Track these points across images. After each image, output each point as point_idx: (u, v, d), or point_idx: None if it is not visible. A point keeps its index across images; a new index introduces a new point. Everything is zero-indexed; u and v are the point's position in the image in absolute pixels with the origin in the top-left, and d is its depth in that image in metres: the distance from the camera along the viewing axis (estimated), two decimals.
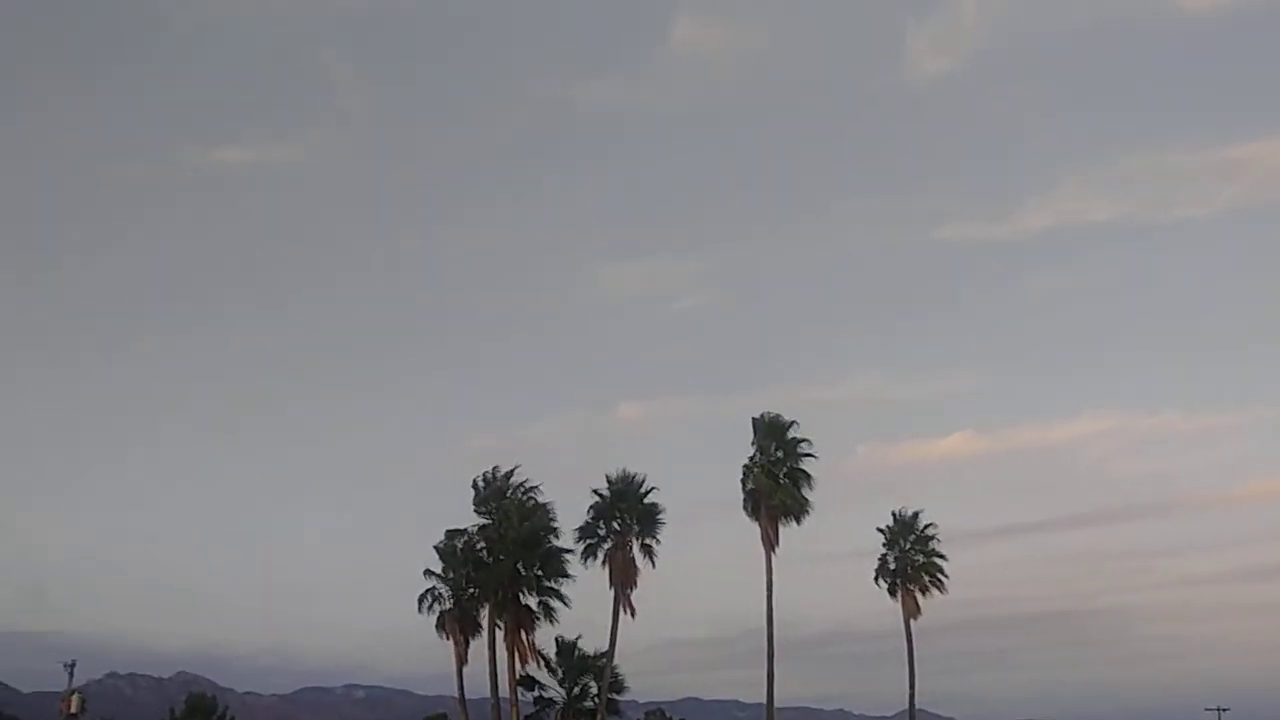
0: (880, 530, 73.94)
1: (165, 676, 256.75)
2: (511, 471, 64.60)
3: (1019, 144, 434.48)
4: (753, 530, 65.73)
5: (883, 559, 73.26)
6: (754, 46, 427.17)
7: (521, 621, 61.20)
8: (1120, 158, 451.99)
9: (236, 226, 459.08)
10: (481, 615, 62.04)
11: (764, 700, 65.65)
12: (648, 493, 65.06)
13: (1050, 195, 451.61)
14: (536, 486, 64.49)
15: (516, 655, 61.43)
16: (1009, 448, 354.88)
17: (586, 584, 63.71)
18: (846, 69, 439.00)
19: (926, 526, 73.49)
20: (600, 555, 63.83)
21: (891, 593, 72.63)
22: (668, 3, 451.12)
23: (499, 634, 61.43)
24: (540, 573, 62.30)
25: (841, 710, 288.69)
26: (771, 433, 67.02)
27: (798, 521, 65.83)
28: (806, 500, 65.96)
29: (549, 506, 63.90)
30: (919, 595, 71.99)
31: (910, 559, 72.64)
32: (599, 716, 63.91)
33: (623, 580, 63.20)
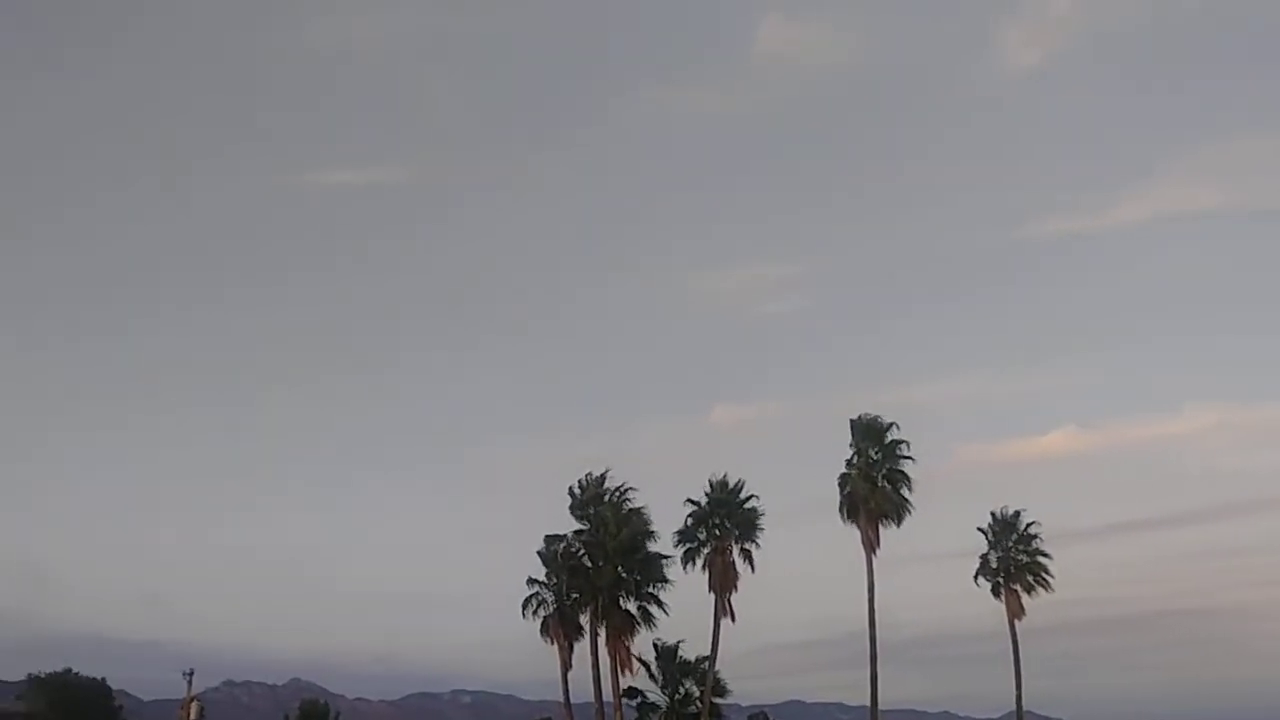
0: (981, 530, 73.04)
1: (279, 684, 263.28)
2: (605, 476, 65.30)
3: (1113, 134, 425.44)
4: (852, 533, 65.57)
5: (985, 559, 72.35)
6: (840, 48, 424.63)
7: (622, 627, 61.79)
8: (1219, 145, 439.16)
9: (352, 252, 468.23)
10: (583, 620, 62.73)
11: (868, 703, 65.34)
12: (747, 498, 65.26)
13: (1148, 185, 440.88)
14: (632, 491, 65.17)
15: (618, 660, 62.03)
16: (1113, 444, 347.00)
17: (684, 588, 64.14)
18: (934, 66, 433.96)
19: (1029, 525, 72.42)
20: (700, 560, 64.15)
21: (995, 593, 71.67)
22: (753, 9, 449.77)
23: (601, 639, 62.12)
24: (640, 578, 62.85)
25: (947, 712, 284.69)
26: (869, 435, 66.73)
27: (897, 523, 65.45)
28: (906, 501, 65.57)
29: (645, 512, 64.46)
30: (1023, 595, 70.92)
31: (1013, 559, 71.62)
32: None
33: (723, 585, 63.41)
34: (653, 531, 64.10)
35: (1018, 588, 70.86)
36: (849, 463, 66.60)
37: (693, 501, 65.18)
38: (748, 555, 64.40)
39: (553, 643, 62.44)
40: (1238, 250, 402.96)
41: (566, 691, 63.29)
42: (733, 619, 63.80)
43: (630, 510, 64.20)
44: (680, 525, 64.83)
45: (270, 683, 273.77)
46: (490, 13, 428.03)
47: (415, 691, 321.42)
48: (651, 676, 65.42)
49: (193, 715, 69.57)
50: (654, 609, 62.82)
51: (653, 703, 65.70)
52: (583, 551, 63.79)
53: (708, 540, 64.47)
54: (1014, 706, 72.25)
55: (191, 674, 70.89)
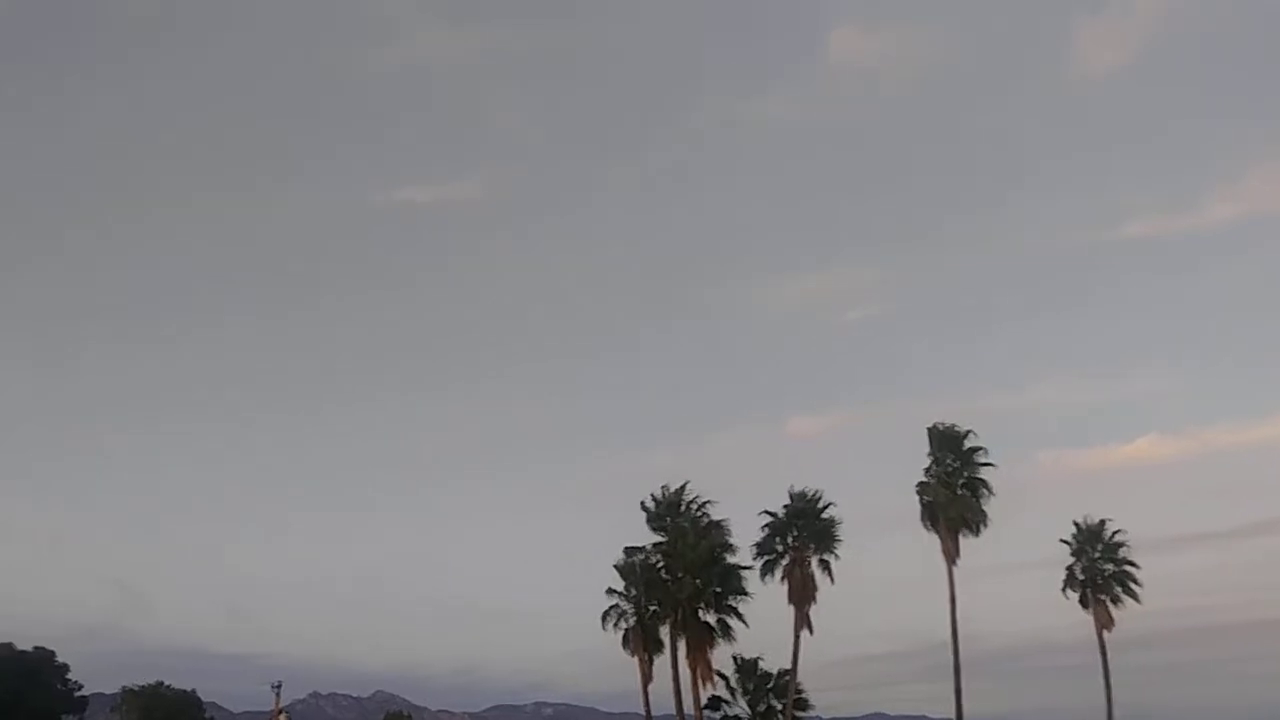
0: (1065, 541, 71.66)
1: (364, 695, 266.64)
2: (683, 488, 65.41)
3: (1199, 134, 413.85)
4: (932, 543, 64.87)
5: (1070, 569, 71.05)
6: (914, 54, 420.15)
7: (702, 639, 61.74)
8: None
9: (427, 264, 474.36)
10: (663, 632, 62.79)
11: (952, 715, 64.50)
12: (825, 508, 64.93)
13: (1237, 185, 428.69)
14: (709, 503, 65.21)
15: (698, 673, 61.97)
16: (1201, 450, 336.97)
17: (763, 601, 63.94)
18: (1012, 69, 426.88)
19: (1115, 534, 70.96)
20: (778, 572, 63.93)
21: (1082, 604, 70.34)
22: (826, 17, 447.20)
23: (681, 651, 62.11)
24: (719, 590, 62.77)
25: None
26: (947, 443, 66.04)
27: (977, 532, 64.67)
28: (985, 511, 64.72)
29: (724, 524, 64.43)
30: (1111, 606, 69.55)
31: (1099, 569, 70.23)
32: None
33: (801, 596, 63.13)
34: (731, 544, 64.12)
35: (1105, 599, 69.48)
36: (927, 471, 65.96)
37: (770, 513, 65.06)
38: (826, 566, 64.09)
39: (633, 655, 62.62)
40: None
41: (647, 704, 63.41)
42: (811, 631, 63.53)
43: (709, 522, 64.23)
44: (757, 537, 64.74)
45: (355, 694, 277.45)
46: (558, 29, 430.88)
47: (497, 703, 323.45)
48: (731, 689, 65.29)
49: None
50: (733, 621, 62.72)
51: (734, 715, 65.51)
52: (661, 564, 63.90)
53: (786, 552, 64.26)
54: None
55: (279, 686, 72.23)
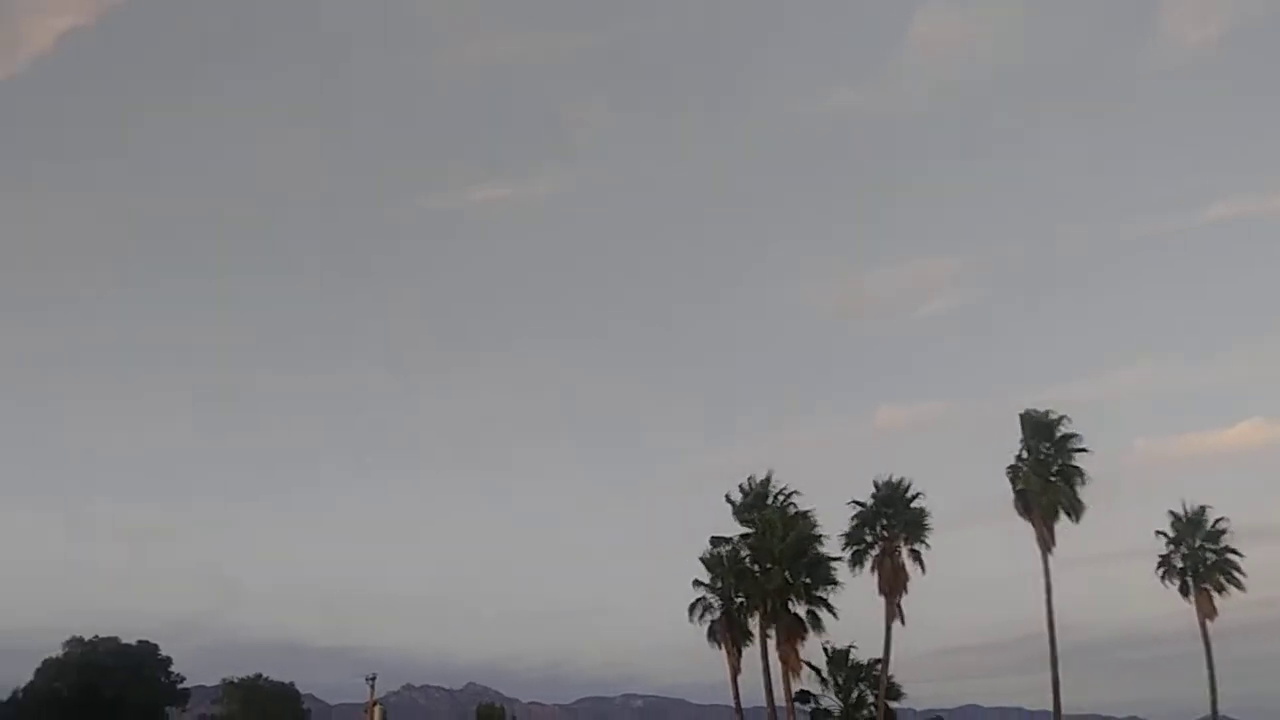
0: (1162, 533, 69.80)
1: (456, 688, 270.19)
2: (769, 479, 65.05)
3: None
4: (1026, 532, 63.66)
5: (1168, 558, 69.22)
6: (996, 38, 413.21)
7: (792, 630, 61.33)
8: None
9: (493, 262, 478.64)
10: (751, 624, 62.52)
11: (1048, 707, 63.35)
12: (914, 498, 64.14)
13: None
14: (796, 494, 64.75)
15: (788, 664, 61.59)
16: None
17: (853, 591, 63.33)
18: (1095, 53, 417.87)
19: (1217, 522, 68.93)
20: (868, 563, 63.27)
21: (1183, 593, 68.50)
22: (906, 2, 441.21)
23: (770, 643, 61.79)
24: (808, 581, 62.30)
25: (1134, 717, 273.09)
26: (1040, 430, 64.70)
27: (1073, 520, 63.24)
28: (1080, 498, 63.28)
29: (811, 514, 63.94)
30: (1214, 595, 67.63)
31: (1200, 557, 68.29)
32: None
33: (892, 587, 62.39)
34: (819, 534, 63.55)
35: (1208, 588, 67.60)
36: (1020, 459, 64.68)
37: (858, 503, 64.39)
38: (917, 556, 63.24)
39: (721, 647, 62.44)
40: None
41: (737, 696, 63.13)
42: (903, 622, 62.75)
43: (796, 513, 63.78)
44: (846, 528, 64.12)
45: (448, 687, 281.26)
46: (628, 24, 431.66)
47: (587, 695, 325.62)
48: (822, 681, 64.83)
49: (377, 718, 71.77)
50: (823, 612, 62.17)
51: (825, 708, 65.01)
52: (749, 555, 63.60)
53: (875, 542, 63.57)
54: (1208, 711, 68.89)
55: (374, 679, 73.21)
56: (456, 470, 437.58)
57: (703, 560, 64.28)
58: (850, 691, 64.90)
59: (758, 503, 64.39)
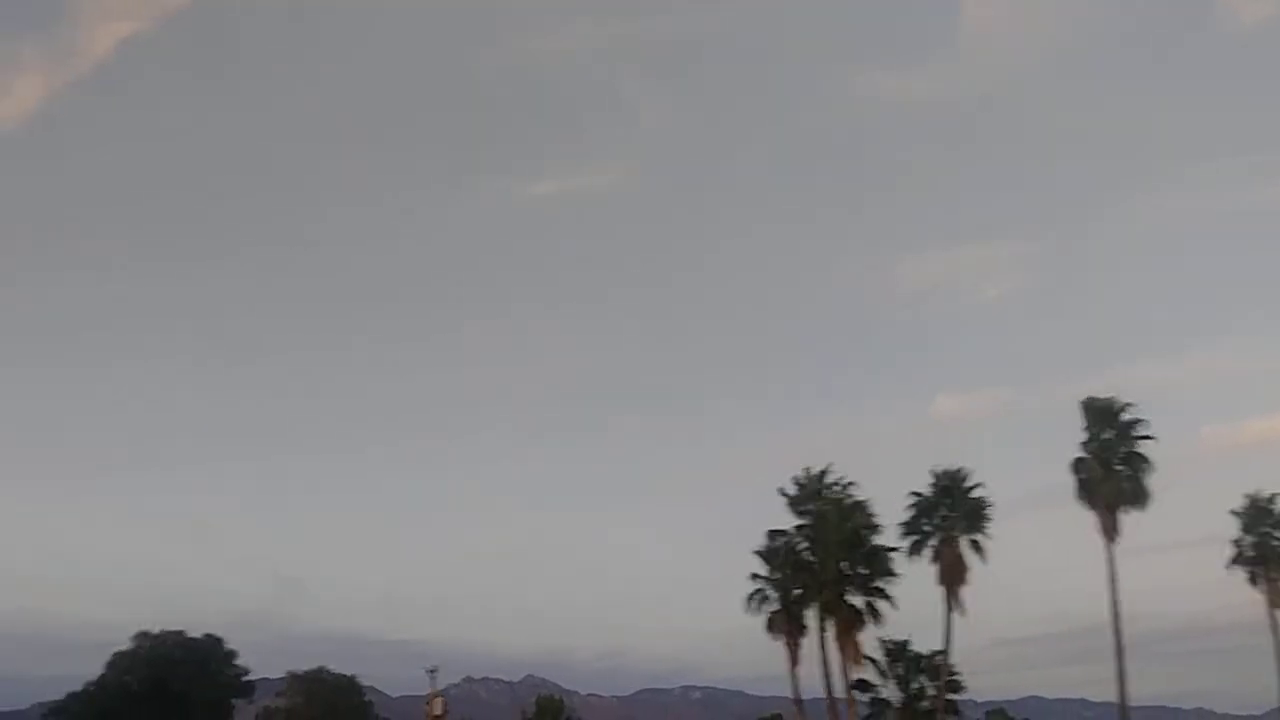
0: (1231, 520, 68.33)
1: (515, 680, 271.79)
2: (825, 470, 64.72)
3: None
4: (1089, 521, 62.68)
5: (1238, 546, 67.85)
6: (1053, 20, 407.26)
7: (850, 622, 60.99)
8: None
9: (551, 251, 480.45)
10: (809, 616, 62.28)
11: (1113, 698, 62.42)
12: (973, 487, 63.41)
13: None
14: (852, 484, 64.36)
15: (847, 655, 61.27)
16: None
17: (911, 582, 62.81)
18: (1154, 32, 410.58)
19: None
20: (926, 553, 62.67)
21: (1252, 582, 67.16)
22: None
23: (828, 634, 61.50)
24: (865, 572, 61.91)
25: (1202, 709, 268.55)
26: (1103, 417, 63.64)
27: (1138, 509, 62.13)
28: (1145, 486, 62.17)
29: (867, 505, 63.49)
30: None
31: (1270, 546, 66.88)
32: (938, 717, 62.72)
33: (952, 577, 61.75)
34: (877, 525, 63.10)
35: (1278, 576, 66.21)
36: (1083, 446, 63.67)
37: (917, 493, 63.76)
38: (977, 546, 62.48)
39: (780, 639, 62.27)
40: None
41: (796, 688, 62.98)
42: (963, 612, 62.14)
43: (852, 504, 63.39)
44: (904, 518, 63.52)
45: (507, 679, 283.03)
46: (685, 15, 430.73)
47: (645, 687, 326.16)
48: (881, 673, 64.40)
49: (438, 710, 72.36)
50: (881, 603, 61.75)
51: (884, 699, 64.57)
52: (805, 546, 63.35)
53: (934, 532, 62.92)
54: (1276, 703, 67.47)
55: (435, 670, 73.83)
56: (512, 460, 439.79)
57: (759, 553, 64.19)
58: (910, 683, 64.42)
59: (813, 494, 64.12)
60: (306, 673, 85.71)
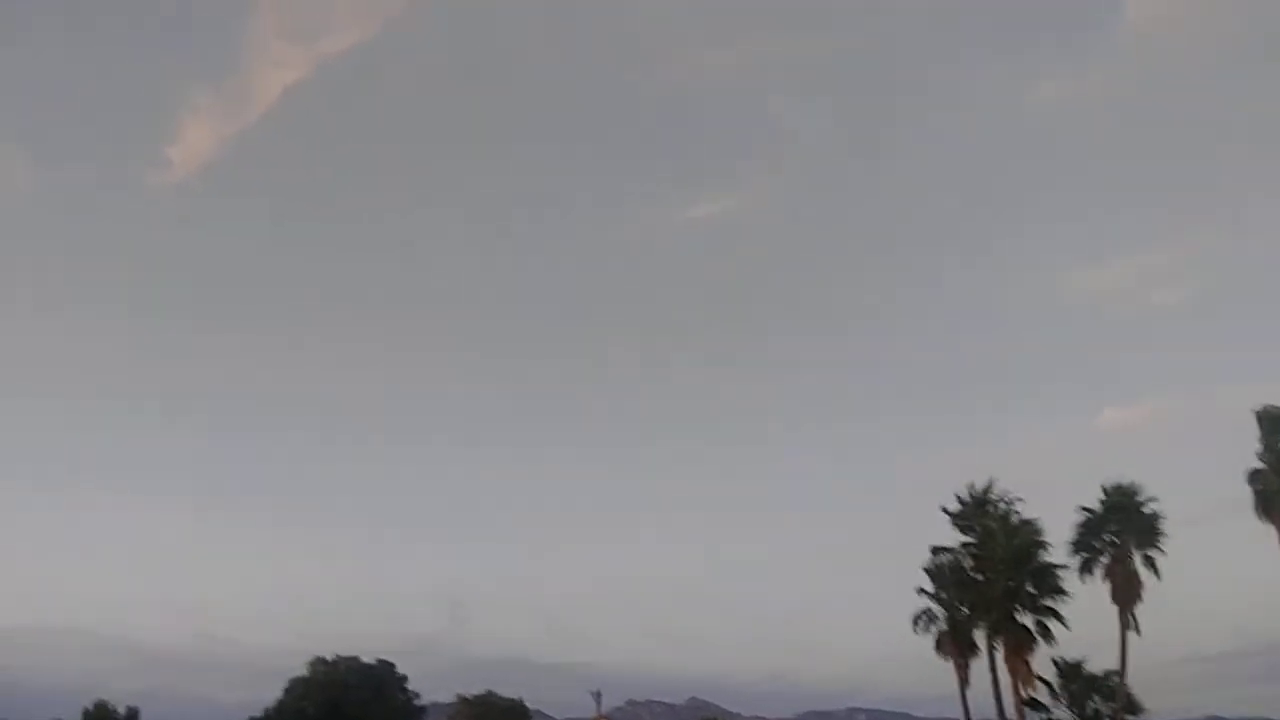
0: None
1: (678, 703, 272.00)
2: (989, 486, 63.61)
3: None
4: (1268, 534, 59.95)
5: None
6: (1213, 13, 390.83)
7: (1020, 641, 59.61)
8: None
9: (702, 278, 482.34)
10: (977, 635, 61.18)
11: None
12: (1145, 501, 61.35)
13: None
14: (1017, 500, 63.06)
15: (1018, 676, 59.88)
16: None
17: (1082, 600, 61.02)
18: None
19: None
20: (1098, 570, 60.85)
21: None
22: None
23: (998, 654, 60.25)
24: (1035, 591, 60.45)
25: None
26: (1278, 427, 60.90)
27: None
28: None
29: (1034, 521, 62.07)
30: None
31: None
32: None
33: (1126, 596, 59.79)
34: (1045, 542, 61.60)
35: None
36: (1259, 457, 61.00)
37: (1086, 509, 61.99)
38: (1151, 563, 60.36)
39: (946, 659, 61.33)
40: None
41: (966, 709, 61.76)
42: (1138, 631, 60.07)
43: (1019, 520, 62.11)
44: (1072, 534, 61.83)
45: (670, 701, 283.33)
46: (829, 31, 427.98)
47: (810, 709, 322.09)
48: (1053, 693, 62.70)
49: None
50: (1051, 622, 60.14)
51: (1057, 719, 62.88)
52: (971, 564, 62.29)
53: (1105, 549, 61.05)
54: None
55: (599, 694, 74.77)
56: (673, 481, 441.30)
57: (925, 570, 63.45)
58: (1084, 704, 62.56)
59: (977, 511, 63.06)
60: (476, 697, 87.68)
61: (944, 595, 62.18)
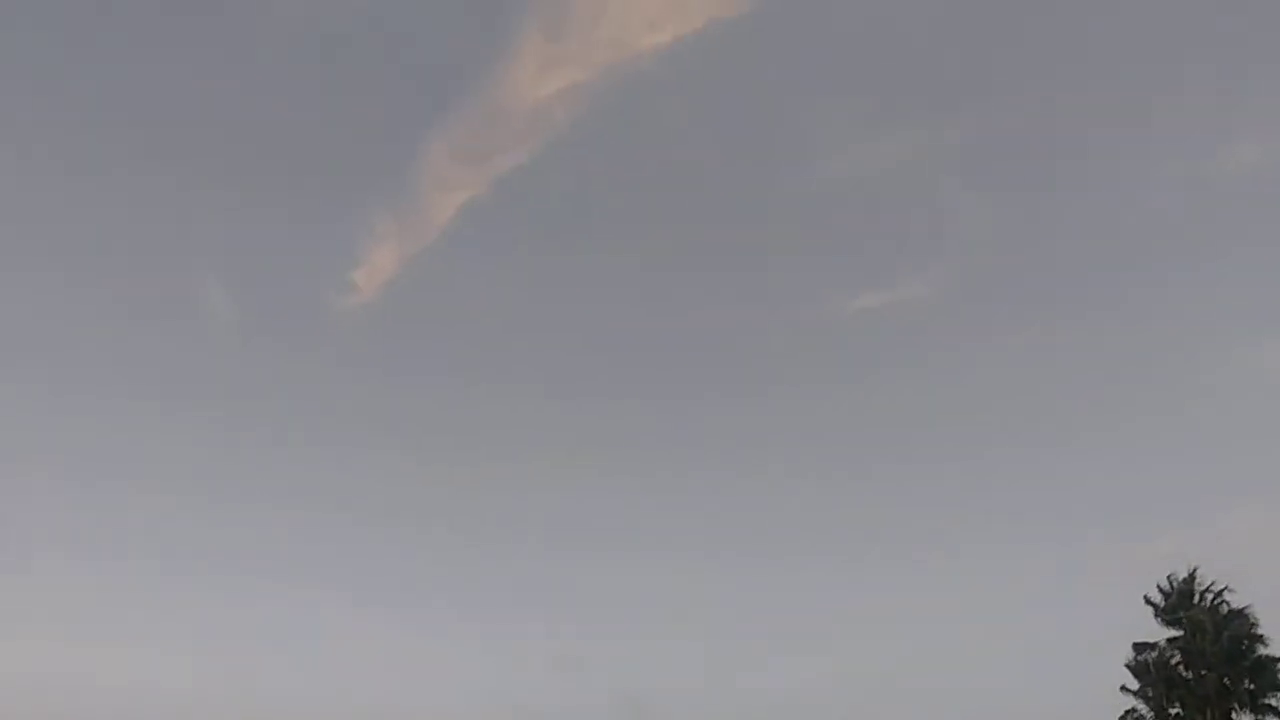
0: None
1: None
2: (1193, 574, 60.01)
3: None
4: None
5: None
6: None
7: None
8: None
9: (873, 365, 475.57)
10: None
11: None
12: None
13: None
14: (1227, 589, 59.27)
15: None
16: None
17: None
18: None
19: None
20: None
21: None
22: None
23: None
24: (1252, 687, 56.43)
25: None
26: None
27: None
28: None
29: (1247, 611, 58.10)
30: None
31: None
32: None
33: None
34: (1260, 634, 57.53)
35: None
36: None
37: None
38: None
39: None
40: None
41: None
42: None
43: (1229, 611, 58.31)
44: None
45: None
46: (999, 112, 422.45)
47: None
48: None
49: None
50: None
51: None
52: (1178, 660, 58.62)
53: None
54: None
55: None
56: (860, 573, 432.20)
57: (1128, 666, 60.00)
58: None
59: (1182, 602, 59.46)
60: None
61: (1149, 694, 58.60)
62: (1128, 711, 59.06)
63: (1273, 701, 56.25)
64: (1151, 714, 58.43)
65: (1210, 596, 59.11)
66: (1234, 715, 56.19)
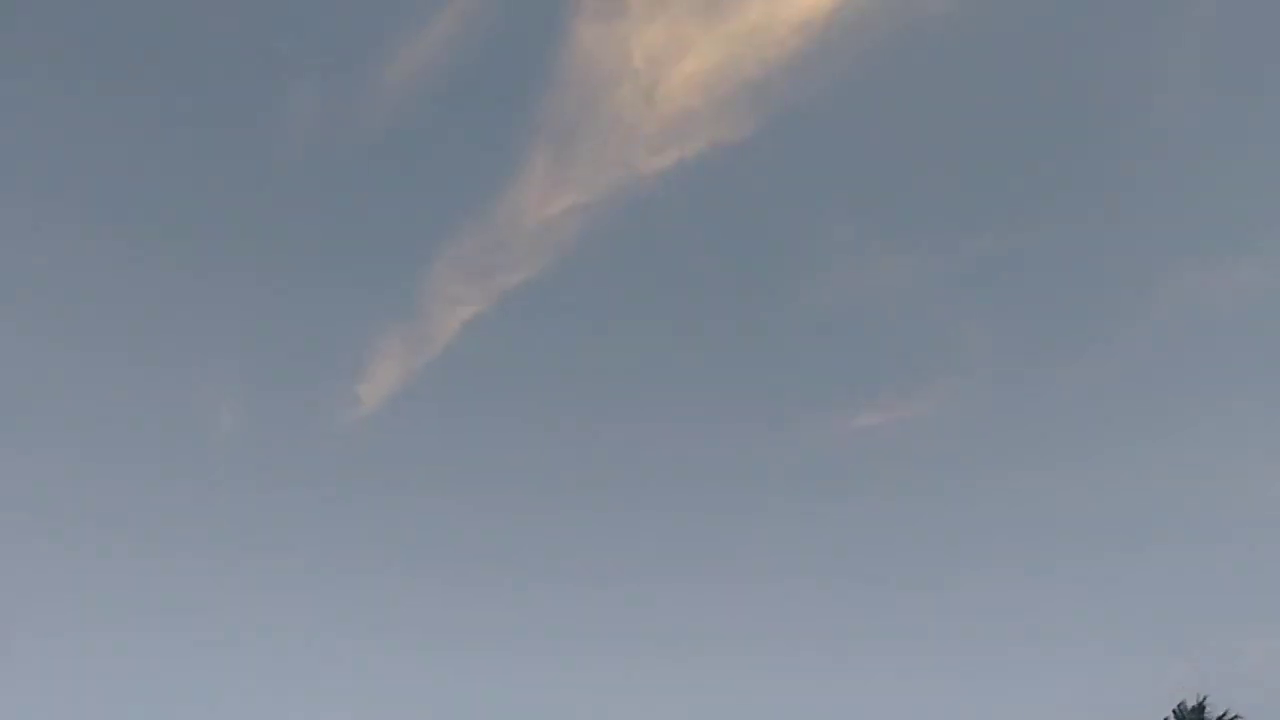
0: None
1: None
2: (1202, 704, 58.56)
3: None
4: None
5: None
6: None
7: None
8: None
9: (875, 486, 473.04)
10: None
11: None
12: None
13: None
14: (1238, 718, 57.86)
15: None
16: None
17: None
18: None
19: None
20: None
21: None
22: None
23: None
24: None
25: None
26: None
27: None
28: None
29: None
30: None
31: None
32: None
33: None
34: None
35: None
36: None
37: None
38: None
39: None
40: None
41: None
42: None
43: None
44: None
45: None
46: (1004, 235, 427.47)
47: None
48: None
49: None
50: None
51: None
52: None
53: None
54: None
55: None
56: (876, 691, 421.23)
57: None
58: None
59: None
60: None
61: None
62: None
63: None
64: None
65: None
66: None
